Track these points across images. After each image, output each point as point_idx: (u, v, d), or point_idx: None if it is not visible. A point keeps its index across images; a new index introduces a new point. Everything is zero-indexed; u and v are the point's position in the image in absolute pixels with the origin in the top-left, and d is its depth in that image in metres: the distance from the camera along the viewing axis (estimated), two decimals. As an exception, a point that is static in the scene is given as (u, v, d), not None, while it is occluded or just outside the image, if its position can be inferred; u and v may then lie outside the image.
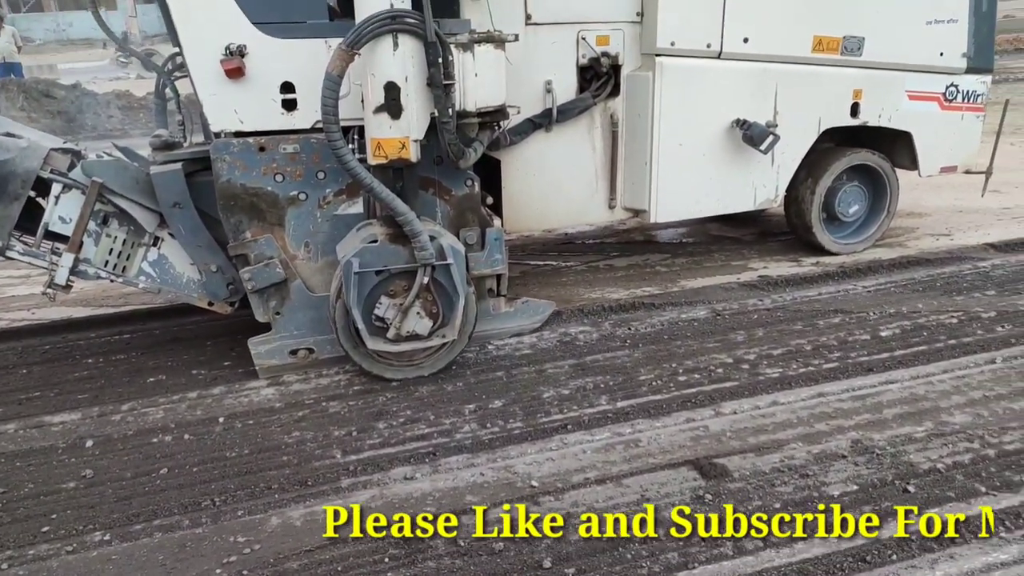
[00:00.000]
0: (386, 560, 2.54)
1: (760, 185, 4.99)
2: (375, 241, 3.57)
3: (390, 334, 3.62)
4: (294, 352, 3.92)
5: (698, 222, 6.45)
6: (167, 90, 4.77)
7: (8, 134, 3.76)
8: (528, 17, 4.19)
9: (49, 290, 3.75)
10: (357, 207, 3.89)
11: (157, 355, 4.22)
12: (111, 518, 2.81)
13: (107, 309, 4.92)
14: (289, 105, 3.70)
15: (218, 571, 2.52)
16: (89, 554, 2.63)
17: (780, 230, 6.15)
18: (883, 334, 4.09)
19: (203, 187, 3.77)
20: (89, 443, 3.34)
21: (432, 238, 3.56)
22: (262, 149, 3.70)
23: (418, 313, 3.62)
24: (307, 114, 3.71)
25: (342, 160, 3.39)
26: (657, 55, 4.46)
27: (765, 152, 4.71)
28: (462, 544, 2.60)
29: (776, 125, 4.72)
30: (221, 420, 3.49)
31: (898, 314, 4.34)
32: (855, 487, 2.81)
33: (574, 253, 5.84)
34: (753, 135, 4.64)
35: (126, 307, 4.93)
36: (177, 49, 4.53)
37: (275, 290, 3.84)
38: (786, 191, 5.16)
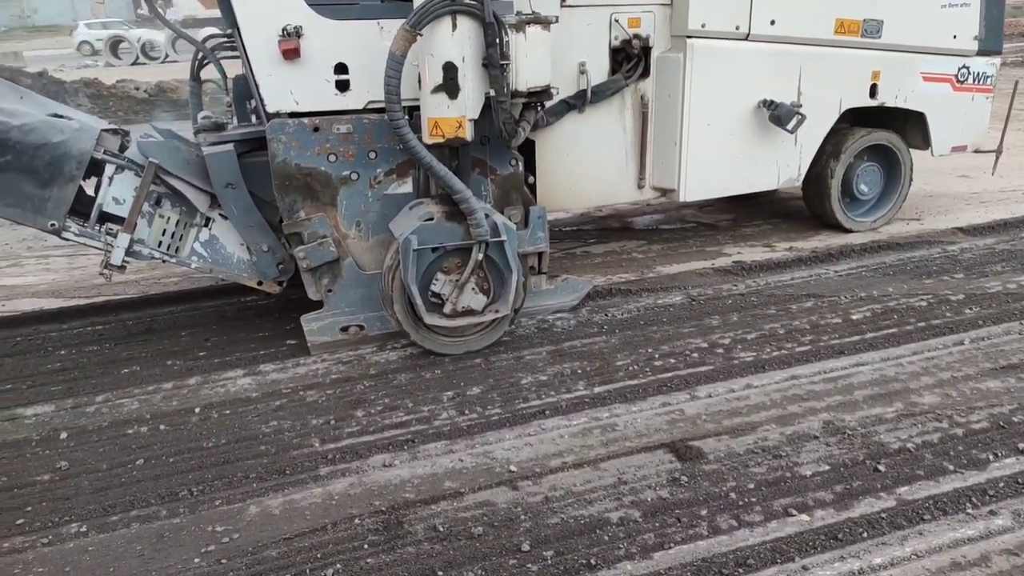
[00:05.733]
0: (365, 546, 2.55)
1: (784, 164, 5.13)
2: (431, 219, 3.65)
3: (446, 309, 3.71)
4: (345, 329, 3.98)
5: (675, 208, 6.51)
6: (202, 72, 4.75)
7: (56, 115, 3.72)
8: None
9: (106, 270, 3.74)
10: (407, 186, 3.95)
11: (131, 346, 4.18)
12: (87, 509, 2.79)
13: (79, 300, 4.84)
14: (343, 86, 3.75)
15: (196, 560, 2.51)
16: (65, 546, 2.61)
17: (754, 216, 6.22)
18: (854, 317, 4.16)
19: (253, 168, 3.80)
20: (64, 435, 3.31)
21: (486, 216, 3.63)
22: (316, 129, 3.74)
23: (473, 289, 3.70)
24: (360, 94, 3.77)
25: (403, 139, 3.49)
26: (688, 37, 4.55)
27: (792, 131, 4.83)
28: (441, 529, 2.62)
29: (801, 105, 4.84)
30: (197, 410, 3.47)
31: (869, 298, 4.41)
32: (827, 467, 2.87)
33: (551, 240, 5.82)
34: (780, 115, 4.76)
35: (99, 297, 4.86)
36: (210, 32, 4.51)
37: (327, 268, 3.90)
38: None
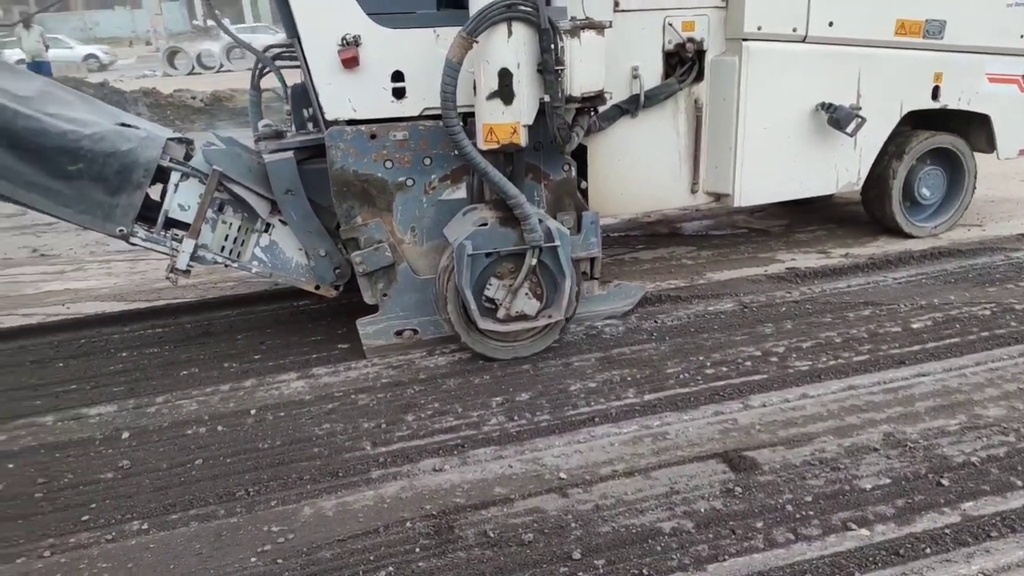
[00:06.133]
0: (417, 550, 2.57)
1: (843, 168, 5.04)
2: (485, 224, 3.69)
3: (500, 314, 3.75)
4: (399, 333, 4.04)
5: (726, 213, 6.42)
6: (261, 82, 4.87)
7: (124, 124, 3.86)
8: (616, 4, 4.22)
9: (171, 275, 3.86)
10: (461, 192, 3.99)
11: (189, 348, 4.29)
12: (148, 508, 2.87)
13: (140, 303, 4.99)
14: (399, 93, 3.81)
15: (253, 560, 2.56)
16: (128, 543, 2.69)
17: (808, 222, 6.10)
18: (914, 326, 4.04)
19: (311, 174, 3.88)
20: (126, 435, 3.40)
21: (539, 221, 3.65)
22: (373, 136, 3.81)
23: (526, 294, 3.74)
24: (416, 101, 3.83)
25: (459, 145, 3.54)
26: (744, 39, 4.51)
27: (851, 135, 4.75)
28: (492, 535, 2.62)
29: (860, 108, 4.76)
30: (253, 412, 3.54)
31: (929, 306, 4.28)
32: (887, 480, 2.79)
33: (599, 246, 5.82)
34: (839, 118, 4.68)
35: (159, 301, 5.00)
36: (270, 42, 4.64)
37: (383, 273, 3.96)
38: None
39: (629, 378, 3.66)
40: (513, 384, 3.68)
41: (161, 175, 3.78)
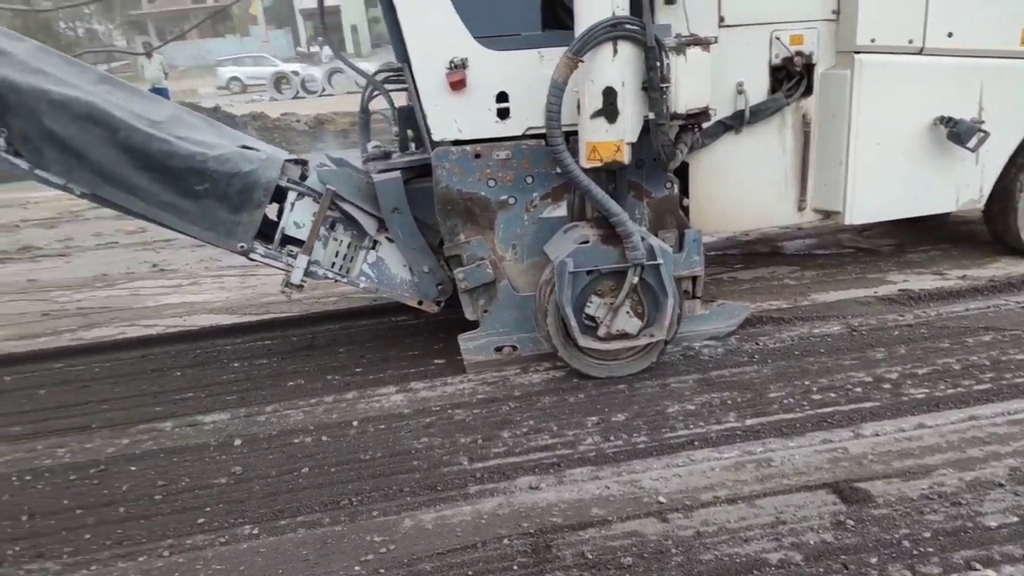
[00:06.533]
0: (514, 568, 2.57)
1: (963, 185, 4.80)
2: (587, 242, 3.71)
3: (601, 332, 3.75)
4: (499, 349, 4.11)
5: (830, 232, 6.19)
6: (370, 104, 5.08)
7: (245, 146, 4.13)
8: (721, 19, 4.18)
9: (286, 289, 4.07)
10: (561, 210, 4.03)
11: (296, 360, 4.47)
12: (259, 513, 2.99)
13: (250, 317, 5.25)
14: (503, 113, 3.89)
15: (356, 568, 2.62)
16: (240, 546, 2.81)
17: (920, 241, 5.80)
18: (1043, 354, 3.77)
19: (416, 193, 4.02)
20: (238, 442, 3.57)
21: (642, 239, 3.66)
22: (477, 156, 3.90)
23: (627, 312, 3.72)
24: (519, 121, 3.89)
25: (563, 163, 3.58)
26: (856, 52, 4.38)
27: (973, 150, 4.53)
28: (590, 557, 2.59)
29: (983, 122, 4.53)
30: (355, 424, 3.64)
31: (1060, 333, 3.99)
32: (1015, 519, 2.60)
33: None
34: (960, 132, 4.47)
35: (267, 315, 5.24)
36: (380, 66, 4.84)
37: (484, 289, 4.04)
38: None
39: (729, 401, 3.57)
40: (608, 404, 3.65)
41: (278, 194, 3.98)
